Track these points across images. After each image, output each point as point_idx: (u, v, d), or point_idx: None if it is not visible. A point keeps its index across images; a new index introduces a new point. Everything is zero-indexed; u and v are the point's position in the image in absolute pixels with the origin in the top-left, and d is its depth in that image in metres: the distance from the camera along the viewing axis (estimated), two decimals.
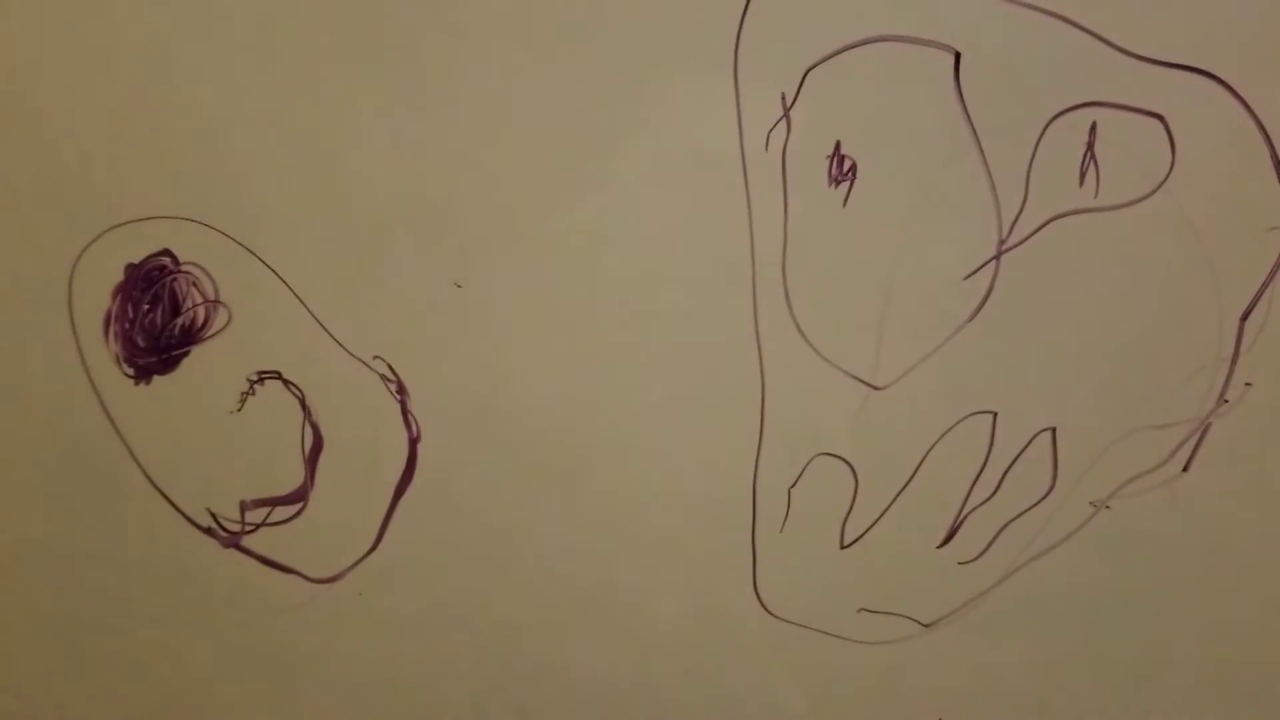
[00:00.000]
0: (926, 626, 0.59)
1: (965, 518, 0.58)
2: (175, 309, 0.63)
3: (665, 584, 0.62)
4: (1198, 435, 0.55)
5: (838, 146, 0.56)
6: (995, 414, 0.57)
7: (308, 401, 0.63)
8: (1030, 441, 0.57)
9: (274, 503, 0.64)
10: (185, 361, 0.63)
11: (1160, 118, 0.53)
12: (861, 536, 0.59)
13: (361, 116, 0.59)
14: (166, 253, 0.63)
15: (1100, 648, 0.58)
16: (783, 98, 0.55)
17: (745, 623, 0.61)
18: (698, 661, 0.62)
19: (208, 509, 0.65)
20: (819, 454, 0.59)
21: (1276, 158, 0.52)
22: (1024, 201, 0.55)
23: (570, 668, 0.64)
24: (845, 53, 0.55)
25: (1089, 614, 0.58)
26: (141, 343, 0.64)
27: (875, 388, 0.58)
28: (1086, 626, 0.58)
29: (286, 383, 0.63)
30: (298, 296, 0.62)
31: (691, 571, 0.61)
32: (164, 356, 0.64)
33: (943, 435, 0.57)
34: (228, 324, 0.63)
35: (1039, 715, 0.59)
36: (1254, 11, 0.51)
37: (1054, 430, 0.56)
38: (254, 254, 0.62)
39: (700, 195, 0.57)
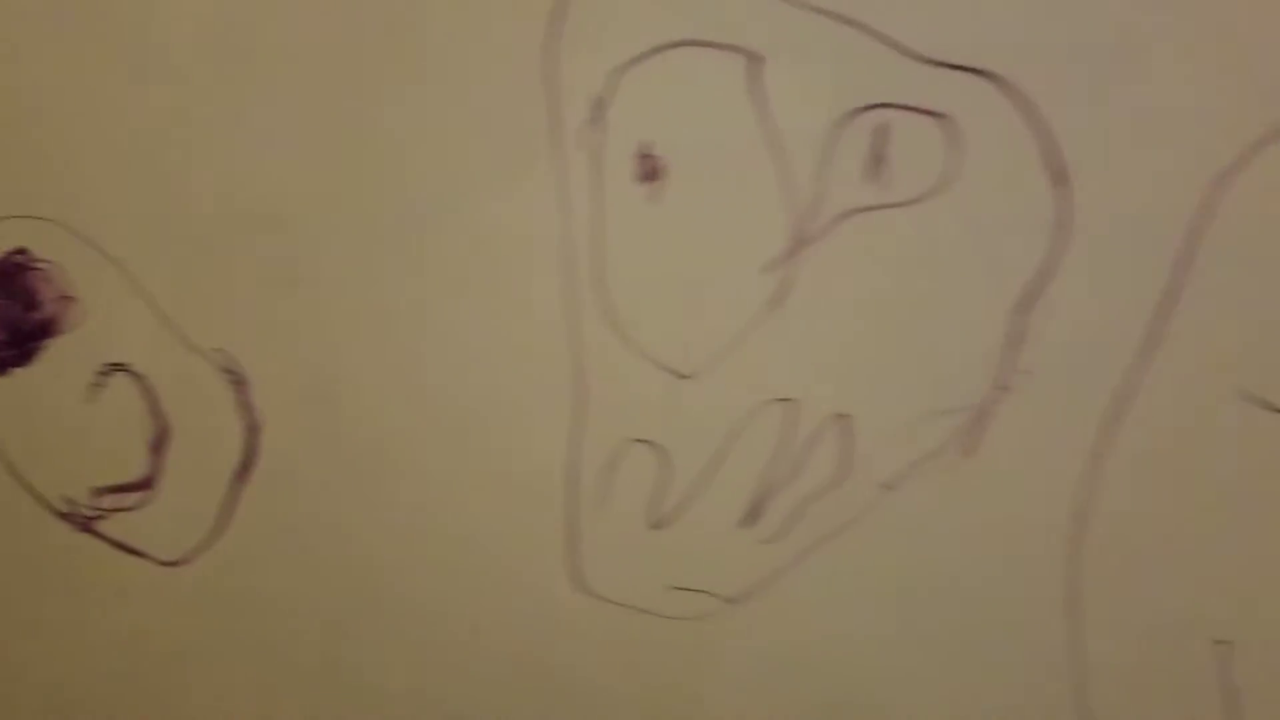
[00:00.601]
0: (730, 602, 0.62)
1: (767, 500, 0.61)
2: (31, 304, 0.66)
3: (490, 566, 0.65)
4: (980, 421, 0.58)
5: (646, 146, 0.58)
6: (794, 400, 0.60)
7: (154, 392, 0.65)
8: (826, 426, 0.59)
9: (123, 489, 0.67)
10: (41, 354, 0.66)
11: (946, 117, 0.56)
12: (671, 517, 0.62)
13: (201, 118, 0.62)
14: (22, 250, 0.65)
15: (895, 623, 0.61)
16: (593, 99, 0.58)
17: (563, 602, 0.64)
18: (520, 640, 0.65)
19: (63, 495, 0.68)
20: (631, 439, 0.61)
21: (1047, 156, 0.55)
22: (819, 199, 0.57)
23: (403, 646, 0.67)
24: (651, 56, 0.57)
25: (881, 591, 0.61)
26: (1, 336, 0.67)
27: (683, 376, 0.60)
28: (880, 603, 0.61)
29: (134, 375, 0.65)
30: (144, 292, 0.64)
31: (514, 554, 0.64)
32: (22, 349, 0.66)
33: (746, 421, 0.60)
34: (81, 319, 0.65)
35: (839, 689, 0.62)
36: (1032, 15, 0.54)
37: (848, 416, 0.59)
38: (103, 252, 0.65)
39: (517, 193, 0.60)
